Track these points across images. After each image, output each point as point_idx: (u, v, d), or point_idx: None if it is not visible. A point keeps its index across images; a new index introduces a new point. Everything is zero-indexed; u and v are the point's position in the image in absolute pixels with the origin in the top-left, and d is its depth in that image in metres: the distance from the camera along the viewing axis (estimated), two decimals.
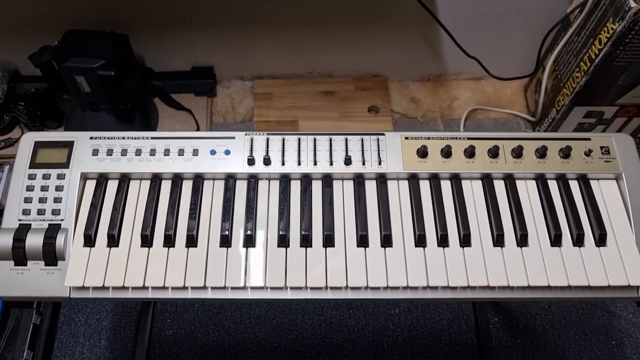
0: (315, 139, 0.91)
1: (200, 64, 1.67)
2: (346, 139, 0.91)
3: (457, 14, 1.54)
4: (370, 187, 0.90)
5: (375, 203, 0.89)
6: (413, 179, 0.90)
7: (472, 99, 1.72)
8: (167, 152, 0.89)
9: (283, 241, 0.86)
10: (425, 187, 0.91)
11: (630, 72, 1.38)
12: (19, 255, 0.85)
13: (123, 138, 0.91)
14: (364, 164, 0.89)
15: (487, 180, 0.90)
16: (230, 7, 1.51)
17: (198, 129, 1.62)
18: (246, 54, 1.66)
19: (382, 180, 0.90)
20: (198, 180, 0.90)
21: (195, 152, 0.90)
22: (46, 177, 0.88)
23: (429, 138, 0.91)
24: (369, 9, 1.55)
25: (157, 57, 1.65)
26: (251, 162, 0.89)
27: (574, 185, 0.91)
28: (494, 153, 0.90)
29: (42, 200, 0.87)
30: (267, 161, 0.89)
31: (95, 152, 0.90)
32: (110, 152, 0.89)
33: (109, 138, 0.91)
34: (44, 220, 0.86)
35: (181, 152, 0.90)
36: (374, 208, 0.88)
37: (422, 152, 0.90)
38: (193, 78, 1.68)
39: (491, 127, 1.69)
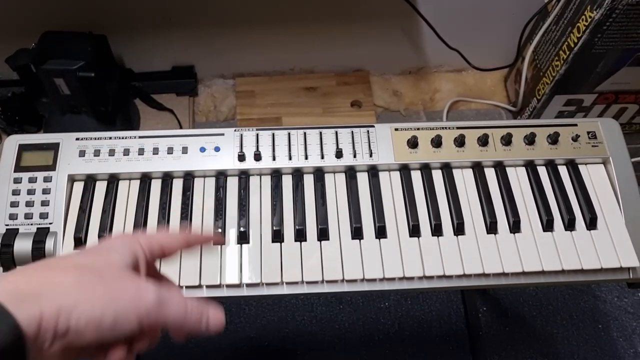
0: (305, 133, 0.90)
1: (180, 63, 1.65)
2: (336, 132, 0.90)
3: (437, 6, 1.54)
4: (362, 179, 0.89)
5: (367, 195, 0.88)
6: (404, 170, 0.90)
7: (454, 91, 1.73)
8: (155, 151, 0.88)
9: (277, 236, 0.85)
10: (417, 177, 0.90)
11: (608, 59, 1.39)
12: (8, 261, 0.83)
13: (110, 138, 0.89)
14: (355, 156, 0.89)
15: (477, 169, 0.90)
16: (209, 5, 1.49)
17: (180, 128, 1.59)
18: (227, 52, 1.65)
19: (373, 172, 0.89)
20: (188, 178, 0.88)
21: (185, 150, 0.88)
22: (32, 180, 0.86)
23: (418, 129, 0.91)
24: (348, 4, 1.55)
25: (137, 58, 1.62)
26: (242, 158, 0.88)
27: (563, 171, 0.92)
28: (483, 141, 0.90)
29: (29, 204, 0.85)
30: (257, 157, 0.88)
31: (81, 154, 0.88)
32: (97, 153, 0.88)
33: (95, 139, 0.89)
34: (31, 224, 0.84)
35: (170, 151, 0.88)
36: (367, 200, 0.88)
37: (413, 143, 0.90)
38: (174, 78, 1.66)
39: (473, 118, 1.70)
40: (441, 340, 1.41)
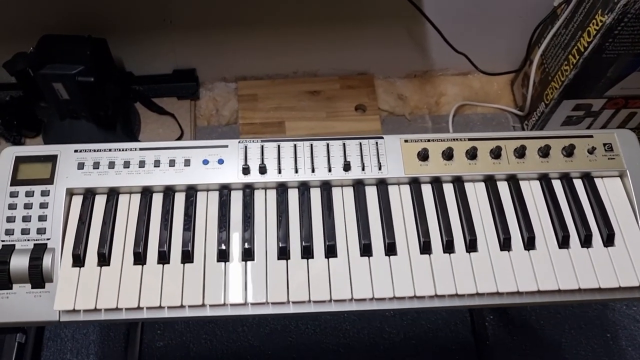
0: (312, 145, 0.87)
1: (181, 66, 1.62)
2: (344, 144, 0.87)
3: (443, 9, 1.50)
4: (371, 193, 0.86)
5: (377, 210, 0.85)
6: (414, 183, 0.86)
7: (460, 95, 1.69)
8: (157, 164, 0.84)
9: (283, 253, 0.81)
10: (427, 191, 0.87)
11: (619, 64, 1.36)
12: (4, 279, 0.79)
13: (110, 150, 0.85)
14: (363, 169, 0.85)
15: (490, 182, 0.87)
16: (211, 8, 1.45)
17: (182, 134, 1.56)
18: (229, 55, 1.61)
19: (382, 185, 0.86)
20: (191, 191, 0.85)
21: (187, 163, 0.85)
22: (29, 194, 0.83)
23: (429, 140, 0.88)
24: (352, 6, 1.51)
25: (137, 61, 1.59)
26: (246, 171, 0.84)
27: (579, 184, 0.88)
28: (496, 154, 0.87)
29: (26, 219, 0.81)
30: (262, 170, 0.84)
31: (80, 166, 0.84)
32: (96, 166, 0.84)
33: (94, 150, 0.85)
34: (28, 240, 0.81)
35: (172, 163, 0.85)
36: (376, 215, 0.84)
37: (423, 155, 0.86)
38: (175, 81, 1.63)
39: (479, 122, 1.67)
40: (447, 349, 1.38)
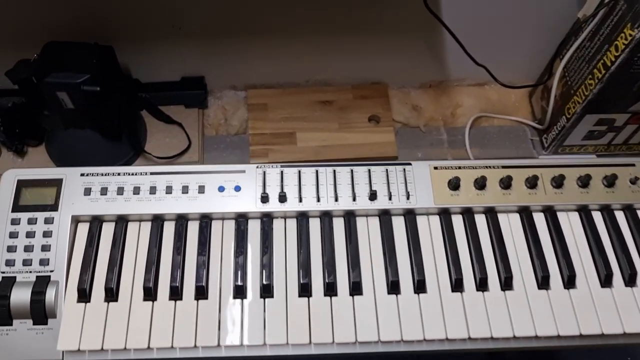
0: (335, 171, 0.80)
1: (190, 74, 1.54)
2: (369, 170, 0.80)
3: (462, 19, 1.43)
4: (398, 225, 0.79)
5: (405, 242, 0.78)
6: (445, 214, 0.80)
7: (476, 106, 1.62)
8: (169, 190, 0.77)
9: (305, 290, 0.75)
10: (458, 222, 0.80)
11: None
12: (4, 314, 0.73)
13: (119, 174, 0.79)
14: (390, 198, 0.78)
15: (525, 214, 0.80)
16: (221, 14, 1.38)
17: (189, 144, 1.49)
18: (238, 63, 1.54)
19: (410, 216, 0.79)
20: (205, 220, 0.78)
21: (202, 189, 0.78)
22: (32, 221, 0.76)
23: (460, 167, 0.81)
24: (366, 15, 1.44)
25: (144, 68, 1.51)
26: (265, 199, 0.77)
27: (620, 217, 0.81)
28: (532, 183, 0.80)
29: (28, 248, 0.75)
30: (282, 198, 0.77)
31: (87, 191, 0.77)
32: (104, 191, 0.77)
33: (102, 174, 0.78)
34: (30, 272, 0.74)
35: (185, 190, 0.78)
36: (404, 248, 0.78)
37: (454, 184, 0.79)
38: (183, 89, 1.55)
39: (496, 135, 1.60)
40: None
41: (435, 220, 0.81)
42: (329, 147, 1.56)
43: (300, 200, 0.79)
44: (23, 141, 1.48)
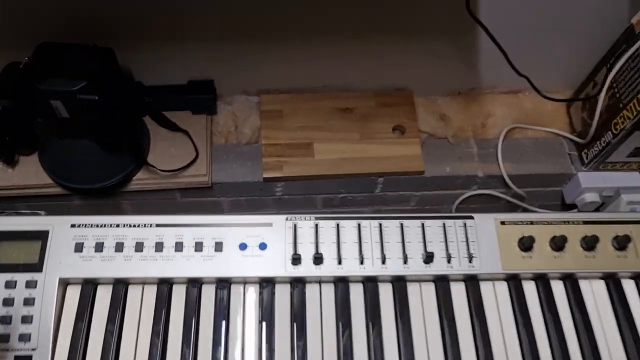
0: (381, 225, 0.63)
1: (197, 76, 1.38)
2: (423, 225, 0.64)
3: (499, 23, 1.26)
4: (458, 293, 0.63)
5: (467, 318, 0.62)
6: (513, 280, 0.63)
7: (509, 116, 1.46)
8: (179, 247, 0.61)
9: None
10: (530, 289, 0.64)
11: None
12: None
13: (117, 225, 0.62)
14: (449, 261, 0.62)
15: (612, 281, 0.64)
16: (231, 13, 1.21)
17: (197, 155, 1.33)
18: (250, 65, 1.37)
19: (473, 282, 0.62)
20: (223, 285, 0.61)
21: (219, 247, 0.62)
22: (10, 285, 0.60)
23: (532, 222, 0.65)
24: (392, 16, 1.26)
25: (148, 69, 1.35)
26: (296, 260, 0.61)
27: None
28: (621, 244, 0.64)
29: (5, 320, 0.59)
30: (318, 259, 0.61)
31: (78, 247, 0.61)
32: (99, 247, 0.61)
33: (98, 225, 0.62)
34: (7, 349, 0.58)
35: (199, 247, 0.62)
36: (466, 323, 0.61)
37: (526, 244, 0.63)
38: (190, 93, 1.39)
39: (531, 148, 1.44)
40: None
41: (503, 287, 0.65)
42: (350, 160, 1.40)
43: (340, 262, 0.63)
44: (14, 149, 1.31)
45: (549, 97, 1.35)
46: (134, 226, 0.65)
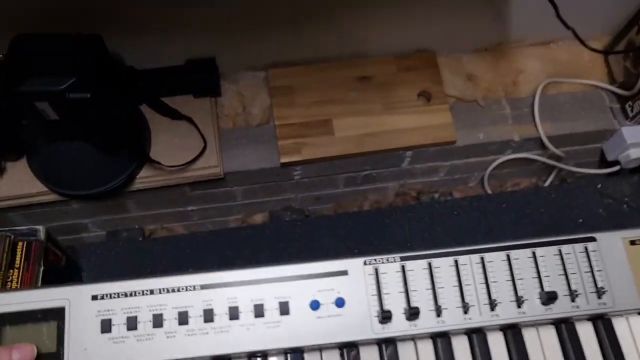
0: (483, 260, 0.48)
1: (196, 55, 1.20)
2: (534, 255, 0.48)
3: None
4: (586, 334, 0.48)
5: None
6: None
7: (542, 71, 1.30)
8: (234, 313, 0.47)
9: None
10: None
11: None
12: None
13: (151, 292, 0.47)
14: (573, 299, 0.47)
15: None
16: None
17: (205, 145, 1.16)
18: (255, 37, 1.19)
19: (604, 322, 0.48)
20: (296, 357, 0.46)
21: (285, 308, 0.48)
22: None
23: None
24: None
25: (139, 51, 1.17)
26: (386, 318, 0.46)
27: None
28: None
29: None
30: (413, 313, 0.46)
31: (106, 326, 0.47)
32: (133, 324, 0.47)
33: (126, 295, 0.46)
34: None
35: (259, 311, 0.48)
36: None
37: None
38: (189, 74, 1.21)
39: (568, 104, 1.30)
40: None
41: (639, 322, 0.51)
42: (373, 135, 1.25)
43: (439, 314, 0.48)
44: (0, 156, 1.14)
45: (592, 48, 1.19)
46: (173, 291, 0.50)
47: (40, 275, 0.96)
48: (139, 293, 0.50)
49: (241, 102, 1.28)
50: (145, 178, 1.18)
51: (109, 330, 0.49)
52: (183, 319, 0.50)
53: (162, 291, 0.50)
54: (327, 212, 1.38)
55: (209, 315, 0.50)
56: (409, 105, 1.28)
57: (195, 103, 1.26)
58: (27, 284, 0.93)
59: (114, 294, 0.50)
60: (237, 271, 0.51)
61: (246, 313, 0.50)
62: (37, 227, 1.03)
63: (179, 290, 0.50)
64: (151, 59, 1.22)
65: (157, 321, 0.50)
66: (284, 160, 1.22)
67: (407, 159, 1.29)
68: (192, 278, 0.50)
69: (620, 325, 0.53)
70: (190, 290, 0.50)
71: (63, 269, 1.09)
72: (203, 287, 0.51)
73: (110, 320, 0.49)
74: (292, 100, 1.28)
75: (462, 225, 1.16)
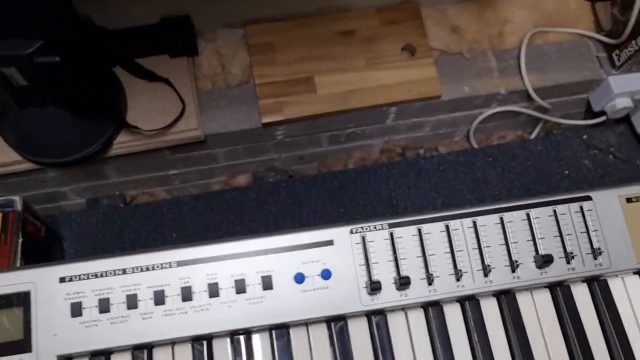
0: (475, 224, 0.44)
1: (171, 12, 1.14)
2: (529, 217, 0.45)
3: None
4: (581, 296, 0.45)
5: (594, 323, 0.45)
6: None
7: (528, 20, 1.25)
8: (214, 290, 0.43)
9: None
10: None
11: None
12: None
13: (124, 271, 0.42)
14: (569, 261, 0.44)
15: None
16: None
17: (184, 107, 1.11)
18: None
19: (601, 285, 0.45)
20: (281, 333, 0.43)
21: (267, 283, 0.44)
22: None
23: None
24: None
25: (111, 11, 1.09)
26: (375, 288, 0.42)
27: None
28: None
29: None
30: (404, 283, 0.42)
31: (76, 310, 0.43)
32: (105, 306, 0.43)
33: (96, 275, 0.42)
34: None
35: (241, 286, 0.43)
36: (597, 333, 0.44)
37: None
38: (164, 33, 1.15)
39: (555, 55, 1.25)
40: None
41: (635, 283, 0.48)
42: (357, 91, 1.20)
43: (431, 282, 0.45)
44: None
45: None
46: (148, 269, 0.46)
47: (20, 247, 0.91)
48: (111, 273, 0.46)
49: (220, 62, 1.22)
50: (123, 143, 1.13)
51: (80, 314, 0.45)
52: (159, 298, 0.46)
53: (135, 270, 0.46)
54: (312, 172, 1.34)
55: (187, 294, 0.46)
56: (392, 60, 1.23)
57: (172, 63, 1.20)
58: (6, 257, 0.89)
59: (84, 275, 0.46)
60: (215, 245, 0.47)
61: (227, 289, 0.47)
62: (13, 197, 0.98)
63: (153, 269, 0.46)
64: (123, 18, 1.15)
65: (132, 302, 0.46)
66: (265, 120, 1.17)
67: (391, 115, 1.25)
68: (168, 254, 0.46)
69: (616, 286, 0.50)
70: (165, 267, 0.46)
71: (43, 239, 1.04)
72: (180, 263, 0.47)
73: (80, 303, 0.45)
74: (273, 58, 1.22)
75: (449, 181, 1.13)
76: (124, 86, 1.15)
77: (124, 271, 0.46)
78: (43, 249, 1.04)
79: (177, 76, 1.19)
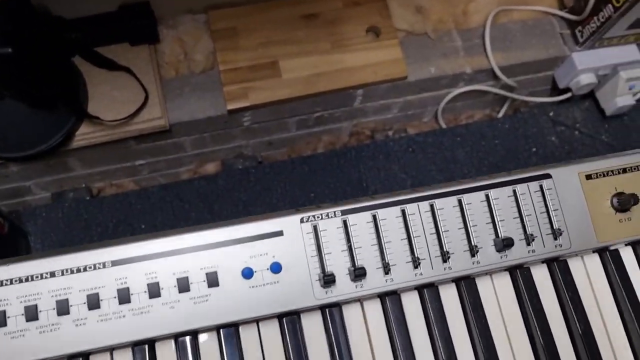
0: (433, 207, 0.40)
1: None
2: (488, 198, 0.41)
3: None
4: (542, 278, 0.42)
5: (555, 305, 0.41)
6: (606, 252, 0.42)
7: None
8: (154, 290, 0.38)
9: None
10: (629, 258, 0.43)
11: None
12: None
13: (52, 275, 0.38)
14: (529, 243, 0.40)
15: None
16: None
17: (147, 96, 1.06)
18: None
19: (560, 264, 0.41)
20: (229, 333, 0.39)
21: (213, 280, 0.40)
22: None
23: (629, 169, 0.42)
24: None
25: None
26: (329, 280, 0.38)
27: None
28: None
29: None
30: (359, 274, 0.38)
31: (0, 320, 0.36)
32: (32, 314, 0.39)
33: (21, 280, 0.39)
34: None
35: (184, 285, 0.38)
36: (557, 315, 0.41)
37: (623, 203, 0.41)
38: (123, 20, 1.09)
39: (519, 33, 1.22)
40: None
41: (594, 262, 0.44)
42: (323, 74, 1.16)
43: (388, 272, 0.41)
44: None
45: None
46: (78, 271, 0.41)
47: None
48: (37, 277, 0.41)
49: (182, 48, 1.16)
50: (85, 134, 1.07)
51: (4, 324, 0.40)
52: (93, 302, 0.41)
53: (64, 272, 0.41)
54: (281, 157, 1.29)
55: (124, 296, 0.41)
56: (357, 42, 1.19)
57: (133, 52, 1.14)
58: None
59: (6, 280, 0.41)
60: (154, 240, 0.42)
61: (168, 289, 0.42)
62: None
63: (85, 270, 0.41)
64: (81, 7, 1.10)
65: (62, 308, 0.41)
66: (230, 106, 1.12)
67: (358, 98, 1.20)
68: (100, 253, 0.41)
69: (575, 266, 0.47)
70: (99, 268, 0.41)
71: (6, 236, 0.99)
72: (114, 263, 0.42)
73: (4, 312, 0.40)
74: (236, 43, 1.16)
75: (418, 162, 1.10)
76: (84, 76, 1.09)
77: (52, 274, 0.41)
78: (7, 246, 0.98)
79: (138, 64, 1.13)
